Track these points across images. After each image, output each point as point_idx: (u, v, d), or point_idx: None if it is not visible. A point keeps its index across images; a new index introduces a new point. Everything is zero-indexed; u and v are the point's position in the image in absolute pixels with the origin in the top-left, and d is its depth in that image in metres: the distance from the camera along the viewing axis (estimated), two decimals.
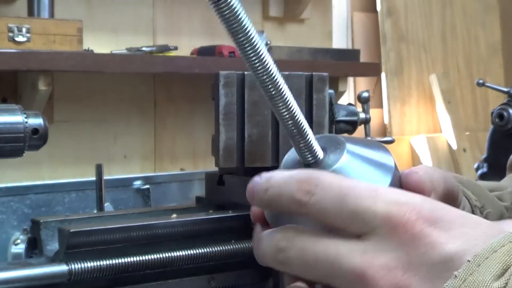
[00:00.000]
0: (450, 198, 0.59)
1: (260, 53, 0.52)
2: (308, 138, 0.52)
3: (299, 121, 0.51)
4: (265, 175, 0.51)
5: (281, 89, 0.50)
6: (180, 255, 1.16)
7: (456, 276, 0.45)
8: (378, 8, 3.17)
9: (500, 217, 0.74)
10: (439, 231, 0.46)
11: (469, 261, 0.45)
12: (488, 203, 0.73)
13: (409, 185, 0.55)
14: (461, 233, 0.47)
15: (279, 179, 0.50)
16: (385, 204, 0.47)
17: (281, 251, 0.49)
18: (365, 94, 1.91)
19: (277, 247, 0.50)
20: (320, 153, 0.52)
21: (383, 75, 3.10)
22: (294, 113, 0.51)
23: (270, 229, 0.52)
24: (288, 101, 0.50)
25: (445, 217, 0.47)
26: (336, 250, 0.48)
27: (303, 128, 0.51)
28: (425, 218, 0.47)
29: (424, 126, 3.24)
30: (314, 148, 0.52)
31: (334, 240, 0.48)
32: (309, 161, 0.52)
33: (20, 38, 1.91)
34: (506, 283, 0.44)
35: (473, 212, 0.69)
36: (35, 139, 1.06)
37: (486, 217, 0.66)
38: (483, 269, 0.45)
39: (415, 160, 3.16)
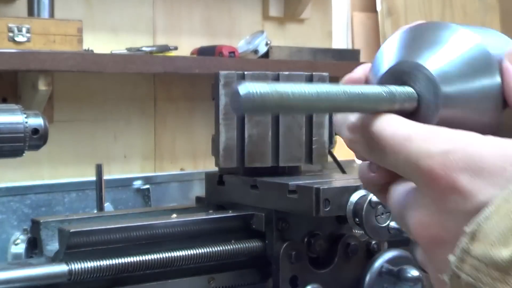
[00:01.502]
0: None
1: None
2: (395, 101, 0.48)
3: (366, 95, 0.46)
4: (349, 124, 0.51)
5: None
6: (180, 255, 1.17)
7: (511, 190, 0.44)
8: (378, 8, 3.17)
9: None
10: (471, 179, 0.45)
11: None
12: None
13: None
14: (497, 178, 0.45)
15: (353, 133, 0.51)
16: (416, 157, 0.46)
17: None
18: None
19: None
20: (414, 102, 0.48)
21: None
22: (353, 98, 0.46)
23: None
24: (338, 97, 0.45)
25: (479, 163, 0.45)
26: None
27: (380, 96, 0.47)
28: (455, 168, 0.45)
29: None
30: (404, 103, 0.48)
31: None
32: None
33: (20, 38, 1.91)
34: None
35: None
36: (35, 139, 1.06)
37: None
38: None
39: None
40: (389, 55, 0.50)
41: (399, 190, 0.51)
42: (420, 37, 0.49)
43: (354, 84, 0.52)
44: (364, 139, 0.49)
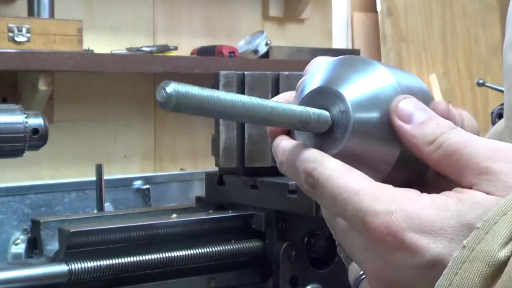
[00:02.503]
0: None
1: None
2: (309, 125, 0.51)
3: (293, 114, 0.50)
4: (280, 148, 0.53)
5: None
6: (180, 255, 1.17)
7: (464, 246, 0.44)
8: (378, 8, 3.17)
9: None
10: (416, 236, 0.46)
11: (478, 228, 0.45)
12: None
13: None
14: (441, 236, 0.46)
15: (288, 160, 0.52)
16: (363, 213, 0.48)
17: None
18: None
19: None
20: (326, 126, 0.52)
21: None
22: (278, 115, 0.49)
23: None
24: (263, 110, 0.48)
25: (421, 224, 0.46)
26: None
27: (300, 120, 0.50)
28: (399, 228, 0.46)
29: None
30: (319, 126, 0.51)
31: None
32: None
33: (20, 38, 1.91)
34: None
35: None
36: (35, 139, 1.06)
37: None
38: (490, 236, 0.44)
39: None
40: (313, 80, 0.53)
41: (343, 226, 0.52)
42: (344, 68, 0.53)
43: None
44: (318, 185, 0.50)
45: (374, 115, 0.51)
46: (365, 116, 0.51)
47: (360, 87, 0.51)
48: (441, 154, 0.49)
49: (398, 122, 0.51)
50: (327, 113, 0.51)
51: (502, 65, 0.74)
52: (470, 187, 0.48)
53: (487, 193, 0.47)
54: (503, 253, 0.44)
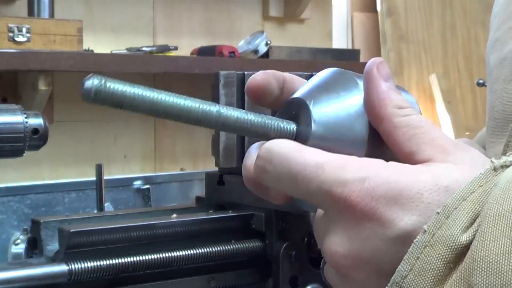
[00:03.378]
0: None
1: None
2: (272, 134, 0.51)
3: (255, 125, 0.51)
4: (260, 152, 0.52)
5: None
6: (180, 255, 1.17)
7: (425, 230, 0.44)
8: (378, 8, 3.17)
9: None
10: (389, 206, 0.44)
11: (438, 213, 0.44)
12: None
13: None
14: (415, 205, 0.44)
15: (262, 161, 0.51)
16: (329, 185, 0.45)
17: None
18: None
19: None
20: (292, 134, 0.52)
21: None
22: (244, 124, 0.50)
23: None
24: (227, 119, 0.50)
25: (396, 190, 0.45)
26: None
27: (261, 128, 0.51)
28: (373, 196, 0.45)
29: None
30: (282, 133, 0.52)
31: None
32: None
33: (20, 38, 1.91)
34: (474, 235, 0.43)
35: None
36: (35, 139, 1.06)
37: None
38: (451, 221, 0.44)
39: None
40: (301, 88, 0.53)
41: (316, 216, 0.51)
42: (328, 83, 0.52)
43: (256, 86, 0.54)
44: (271, 167, 0.48)
45: (334, 134, 0.50)
46: (325, 134, 0.50)
47: (332, 106, 0.51)
48: (405, 122, 0.48)
49: (374, 70, 0.50)
50: (293, 125, 0.52)
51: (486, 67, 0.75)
52: (427, 161, 0.47)
53: None
54: (464, 237, 0.43)
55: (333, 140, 0.50)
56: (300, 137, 0.51)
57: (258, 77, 0.54)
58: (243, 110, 0.50)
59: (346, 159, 0.47)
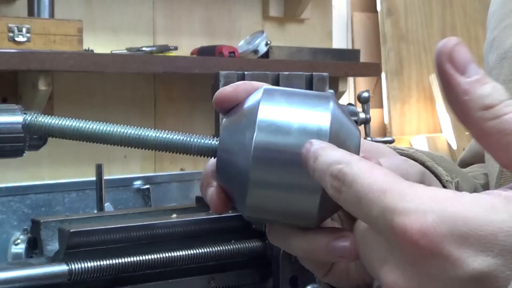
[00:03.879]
0: None
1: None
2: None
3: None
4: (313, 151, 0.46)
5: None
6: (180, 255, 1.17)
7: None
8: (378, 8, 3.17)
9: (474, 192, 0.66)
10: (456, 244, 0.39)
11: None
12: (461, 179, 0.65)
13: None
14: (489, 246, 0.39)
15: (321, 164, 0.45)
16: (391, 212, 0.41)
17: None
18: (365, 94, 1.91)
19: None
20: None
21: (383, 75, 3.10)
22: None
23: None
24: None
25: (463, 228, 0.39)
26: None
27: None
28: (438, 231, 0.40)
29: (424, 126, 3.24)
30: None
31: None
32: None
33: (20, 38, 1.91)
34: None
35: (445, 188, 0.62)
36: (35, 139, 1.06)
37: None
38: None
39: None
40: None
41: (363, 231, 0.47)
42: (292, 101, 0.51)
43: (221, 99, 0.55)
44: (337, 183, 0.44)
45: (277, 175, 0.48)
46: (267, 155, 0.48)
47: (279, 125, 0.49)
48: (496, 127, 0.41)
49: (450, 69, 0.43)
50: (214, 141, 0.56)
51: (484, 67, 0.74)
52: None
53: None
54: None
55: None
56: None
57: (226, 91, 0.54)
58: (164, 131, 0.57)
59: (410, 185, 0.42)
